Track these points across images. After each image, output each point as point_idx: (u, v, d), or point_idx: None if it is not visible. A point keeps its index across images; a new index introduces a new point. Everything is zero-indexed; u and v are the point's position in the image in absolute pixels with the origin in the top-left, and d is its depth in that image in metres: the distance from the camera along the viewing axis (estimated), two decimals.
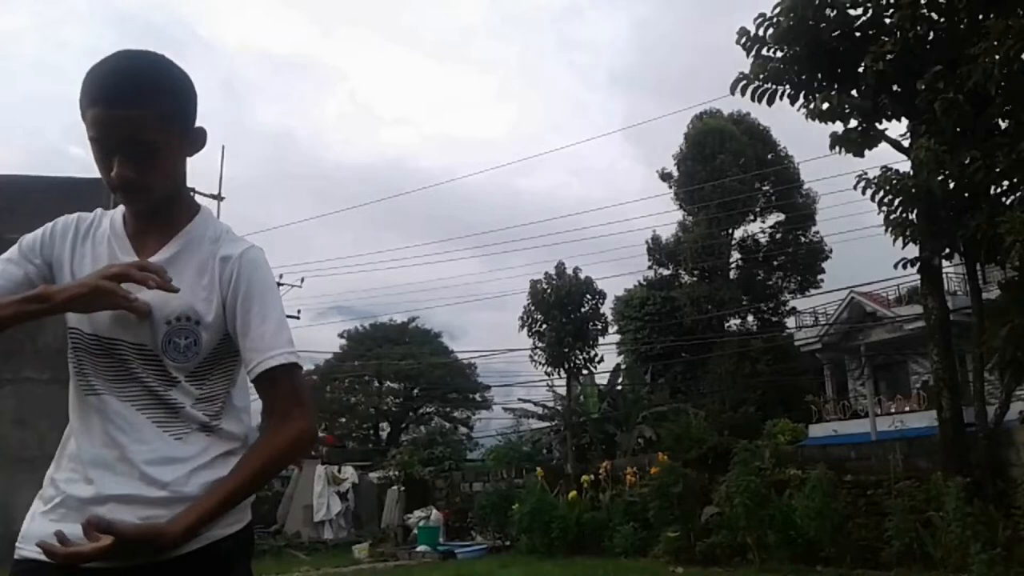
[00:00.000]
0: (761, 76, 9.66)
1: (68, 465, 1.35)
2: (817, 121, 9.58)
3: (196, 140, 1.44)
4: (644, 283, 27.28)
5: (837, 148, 9.70)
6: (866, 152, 9.72)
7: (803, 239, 27.11)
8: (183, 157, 1.43)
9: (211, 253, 1.43)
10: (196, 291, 1.39)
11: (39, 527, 1.31)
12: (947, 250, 9.59)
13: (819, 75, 9.65)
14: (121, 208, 1.46)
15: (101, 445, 1.33)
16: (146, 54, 1.36)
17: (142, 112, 1.30)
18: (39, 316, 1.30)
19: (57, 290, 1.30)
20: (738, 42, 9.72)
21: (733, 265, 27.17)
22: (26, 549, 1.33)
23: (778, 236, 27.18)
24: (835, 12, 9.28)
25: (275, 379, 1.37)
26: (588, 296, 15.33)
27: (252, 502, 1.45)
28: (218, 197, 18.80)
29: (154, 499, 1.30)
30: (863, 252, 38.00)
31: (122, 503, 1.28)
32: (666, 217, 34.15)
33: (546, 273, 15.50)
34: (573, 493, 12.39)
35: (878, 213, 9.31)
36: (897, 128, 9.77)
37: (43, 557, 1.24)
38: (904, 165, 9.43)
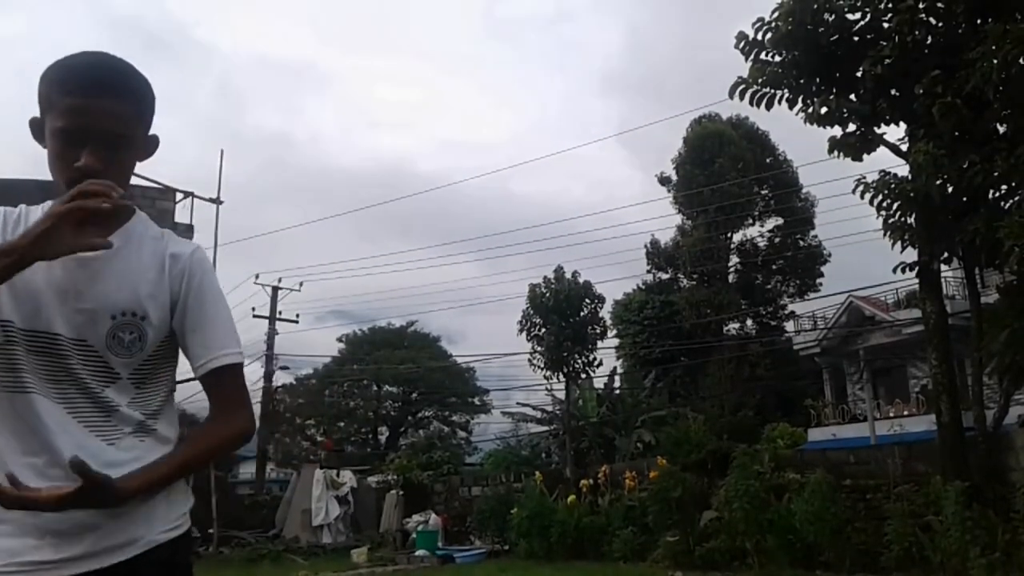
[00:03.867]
0: (760, 80, 9.67)
1: None
2: (816, 125, 9.61)
3: (150, 145, 1.46)
4: (643, 287, 27.29)
5: (835, 152, 9.70)
6: (864, 156, 9.74)
7: (802, 243, 27.12)
8: (137, 160, 1.44)
9: (157, 250, 1.42)
10: (142, 286, 1.37)
11: None
12: (946, 254, 9.58)
13: (817, 79, 9.66)
14: (50, 204, 1.37)
15: (29, 449, 1.27)
16: (114, 56, 1.39)
17: (122, 104, 1.33)
18: (11, 272, 1.21)
19: (19, 238, 1.22)
20: (737, 46, 9.75)
21: (732, 269, 27.15)
22: None
23: (777, 240, 27.18)
24: (833, 17, 9.29)
25: (223, 377, 1.41)
26: (587, 300, 15.32)
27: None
28: (217, 201, 18.76)
29: None
30: (862, 256, 38.09)
31: None
32: (665, 221, 34.13)
33: (545, 277, 15.52)
34: (572, 497, 12.38)
35: (877, 217, 9.33)
36: (895, 132, 9.79)
37: None
38: (902, 169, 9.46)
